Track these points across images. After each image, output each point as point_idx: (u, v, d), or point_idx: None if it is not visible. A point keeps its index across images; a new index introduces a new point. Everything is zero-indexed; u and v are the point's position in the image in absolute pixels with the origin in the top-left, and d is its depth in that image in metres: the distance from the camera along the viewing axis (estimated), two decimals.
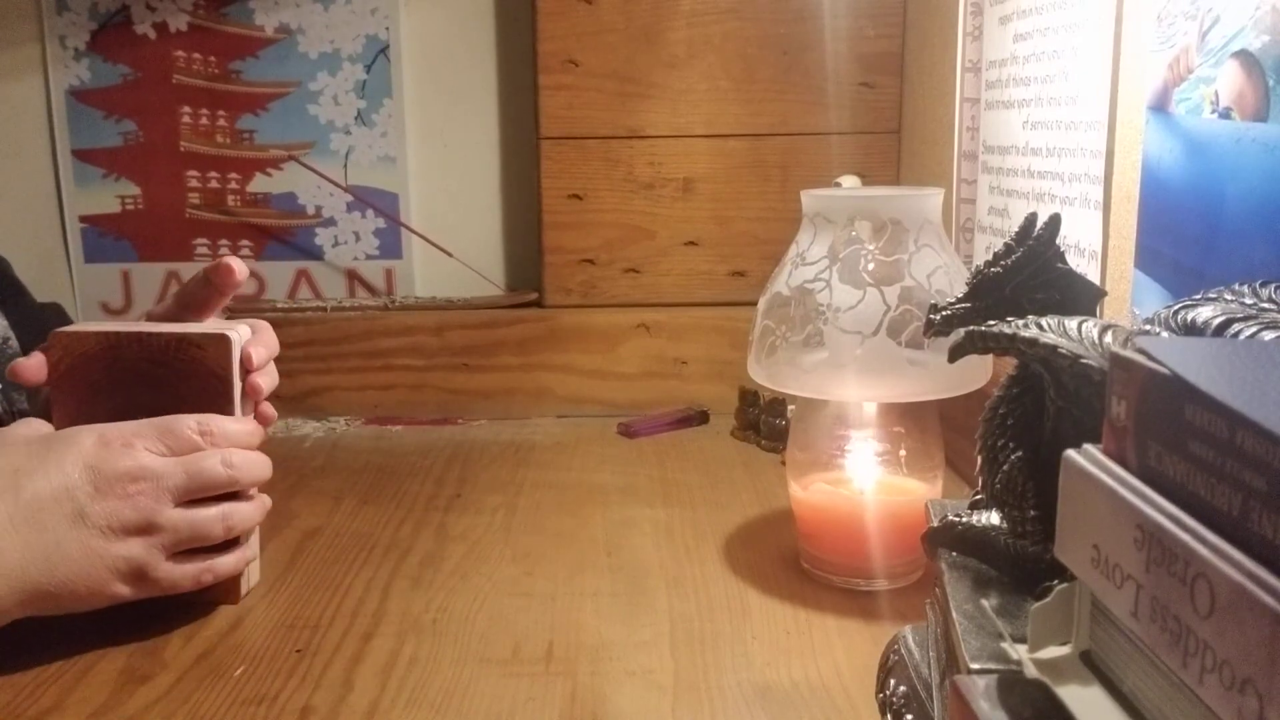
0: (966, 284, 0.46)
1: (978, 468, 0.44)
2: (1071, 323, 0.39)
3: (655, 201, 1.15)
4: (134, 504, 0.60)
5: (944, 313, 0.45)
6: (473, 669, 0.61)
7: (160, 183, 1.20)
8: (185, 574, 0.63)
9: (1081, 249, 0.70)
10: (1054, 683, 0.32)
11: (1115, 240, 0.67)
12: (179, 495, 0.62)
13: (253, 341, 0.68)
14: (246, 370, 0.67)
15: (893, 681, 0.50)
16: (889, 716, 0.49)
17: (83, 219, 1.21)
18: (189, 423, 0.63)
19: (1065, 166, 0.73)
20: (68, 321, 0.96)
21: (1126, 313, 0.64)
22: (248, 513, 0.66)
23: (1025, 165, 0.80)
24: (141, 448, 0.62)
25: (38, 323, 0.88)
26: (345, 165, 1.20)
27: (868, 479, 0.73)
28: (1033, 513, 0.40)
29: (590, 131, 1.14)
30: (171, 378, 0.64)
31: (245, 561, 0.68)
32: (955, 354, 0.42)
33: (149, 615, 0.64)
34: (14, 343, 0.80)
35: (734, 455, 1.00)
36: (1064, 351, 0.38)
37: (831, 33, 1.12)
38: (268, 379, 0.69)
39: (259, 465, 0.67)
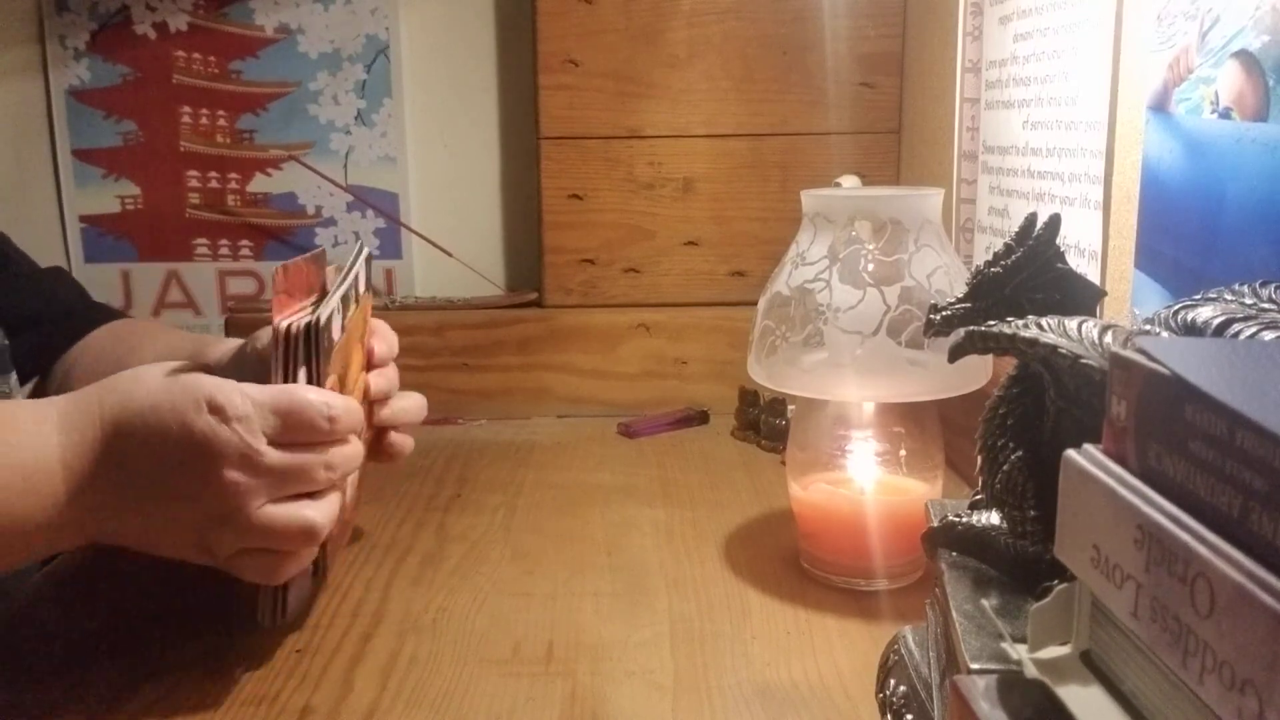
0: (966, 284, 0.45)
1: (978, 468, 0.43)
2: (1071, 323, 0.38)
3: (655, 201, 1.15)
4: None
5: (944, 313, 0.45)
6: (473, 669, 0.61)
7: (160, 183, 1.20)
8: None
9: (1081, 249, 0.70)
10: (1054, 683, 0.32)
11: (1115, 240, 0.67)
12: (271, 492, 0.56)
13: (376, 337, 0.67)
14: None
15: (893, 681, 0.50)
16: (889, 716, 0.49)
17: (83, 219, 1.21)
18: (318, 406, 0.56)
19: (1065, 166, 0.73)
20: (73, 283, 0.94)
21: (1126, 313, 0.64)
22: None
23: (1025, 165, 0.80)
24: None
25: (33, 288, 0.87)
26: (345, 165, 1.21)
27: (868, 479, 0.73)
28: (1033, 513, 0.40)
29: (590, 131, 1.14)
30: None
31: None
32: (955, 354, 0.42)
33: (149, 617, 0.64)
34: None
35: (734, 455, 1.00)
36: (1064, 351, 0.37)
37: (831, 33, 1.12)
38: (384, 380, 0.68)
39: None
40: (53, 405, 0.57)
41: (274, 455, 0.55)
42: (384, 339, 0.72)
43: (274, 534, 0.56)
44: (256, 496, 0.55)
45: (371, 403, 0.69)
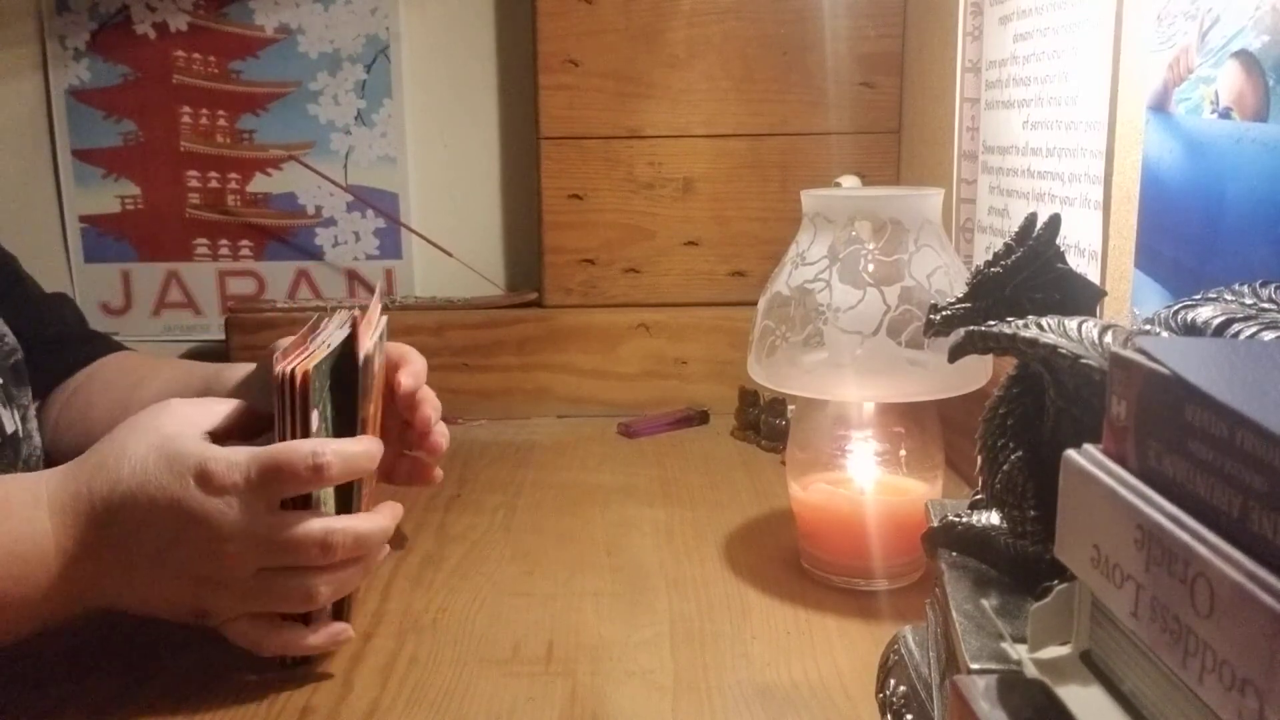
0: (966, 284, 0.46)
1: (978, 468, 0.44)
2: (1071, 323, 0.38)
3: (655, 201, 1.15)
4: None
5: (944, 313, 0.45)
6: (473, 669, 0.61)
7: (160, 183, 1.20)
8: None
9: (1081, 249, 0.70)
10: (1054, 683, 0.32)
11: (1115, 240, 0.67)
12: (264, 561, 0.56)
13: (405, 371, 0.67)
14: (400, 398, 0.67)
15: (893, 681, 0.50)
16: (889, 716, 0.49)
17: (83, 219, 1.21)
18: (304, 456, 0.55)
19: (1065, 166, 0.73)
20: (76, 311, 0.95)
21: (1126, 313, 0.64)
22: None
23: (1025, 165, 0.80)
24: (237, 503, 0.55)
25: (39, 314, 0.87)
26: (345, 165, 1.21)
27: (868, 479, 0.73)
28: (1033, 513, 0.40)
29: (590, 131, 1.14)
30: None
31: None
32: (955, 354, 0.42)
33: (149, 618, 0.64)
34: (10, 338, 0.79)
35: (734, 455, 1.00)
36: (1064, 351, 0.37)
37: (831, 33, 1.12)
38: (430, 409, 0.68)
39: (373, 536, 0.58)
40: (43, 484, 0.57)
41: (266, 528, 0.55)
42: (410, 370, 0.69)
43: (269, 600, 0.57)
44: (249, 564, 0.55)
45: (420, 434, 0.69)
